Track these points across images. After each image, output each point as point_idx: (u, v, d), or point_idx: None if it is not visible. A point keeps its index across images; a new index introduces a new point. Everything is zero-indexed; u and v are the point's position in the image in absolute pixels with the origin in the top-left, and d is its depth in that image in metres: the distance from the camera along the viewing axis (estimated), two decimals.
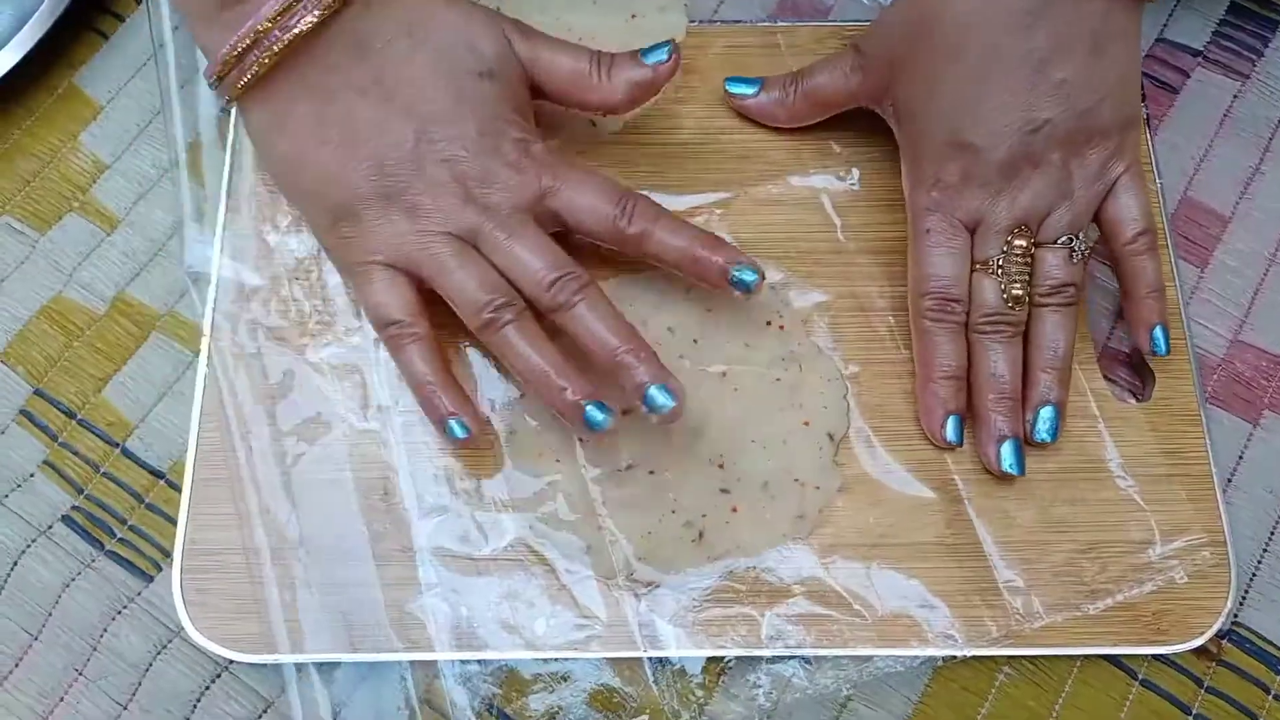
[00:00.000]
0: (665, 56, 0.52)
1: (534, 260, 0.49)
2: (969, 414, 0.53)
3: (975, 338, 0.52)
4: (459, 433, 0.49)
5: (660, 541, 0.51)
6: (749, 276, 0.50)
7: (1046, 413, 0.52)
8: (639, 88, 0.52)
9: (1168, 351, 0.52)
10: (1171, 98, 0.61)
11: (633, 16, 0.60)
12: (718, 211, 0.57)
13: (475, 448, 0.52)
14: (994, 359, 0.51)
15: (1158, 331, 0.52)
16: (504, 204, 0.49)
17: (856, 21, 0.62)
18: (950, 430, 0.52)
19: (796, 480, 0.52)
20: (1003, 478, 0.52)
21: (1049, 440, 0.52)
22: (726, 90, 0.59)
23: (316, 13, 0.47)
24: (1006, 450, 0.51)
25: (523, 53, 0.52)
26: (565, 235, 0.52)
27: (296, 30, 0.47)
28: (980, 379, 0.52)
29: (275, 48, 0.47)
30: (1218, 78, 0.62)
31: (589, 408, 0.48)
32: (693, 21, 0.61)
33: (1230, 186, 0.59)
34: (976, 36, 0.49)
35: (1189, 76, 0.62)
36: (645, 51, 0.52)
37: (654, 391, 0.47)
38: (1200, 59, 0.62)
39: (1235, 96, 0.61)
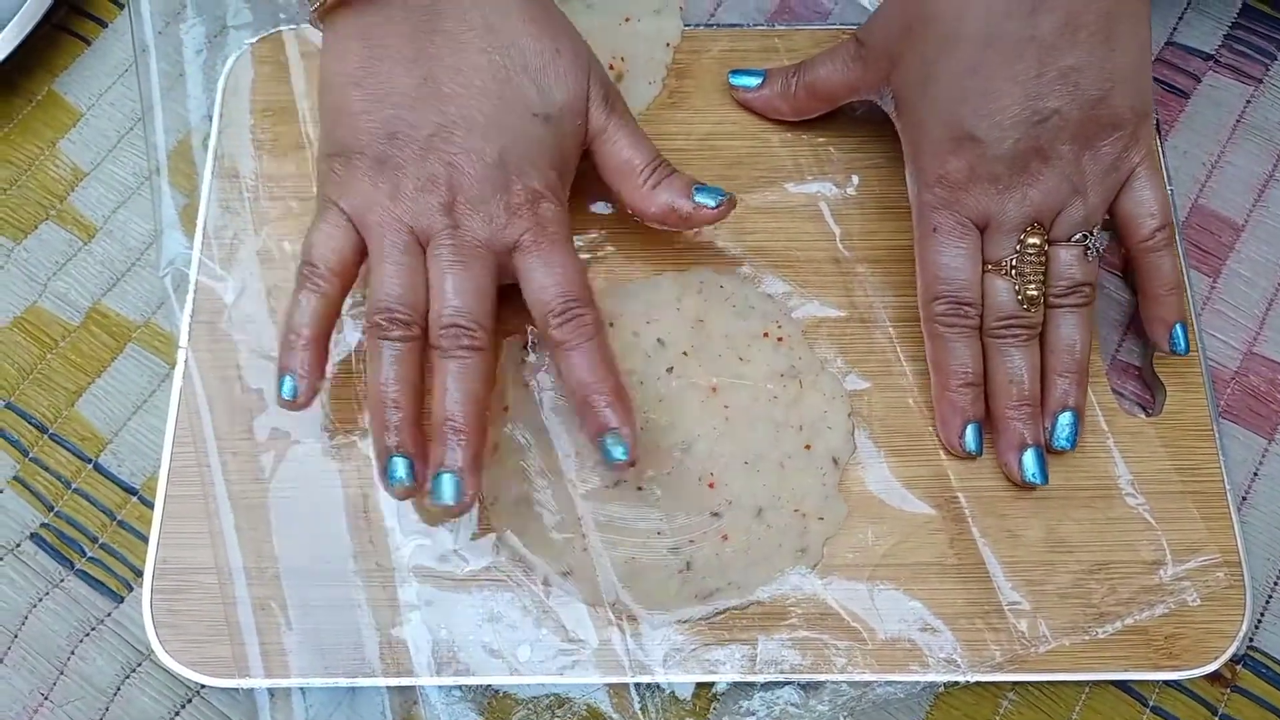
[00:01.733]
0: (713, 202, 0.50)
1: (454, 297, 0.47)
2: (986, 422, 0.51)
3: (990, 342, 0.50)
4: (285, 391, 0.48)
5: (644, 569, 0.49)
6: (618, 453, 0.47)
7: (1066, 418, 0.50)
8: (673, 214, 0.51)
9: (1188, 350, 0.51)
10: (1182, 103, 0.59)
11: (627, 19, 0.59)
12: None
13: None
14: (1011, 364, 0.50)
15: (1178, 329, 0.50)
16: (475, 233, 0.48)
17: (855, 24, 0.60)
18: (970, 439, 0.50)
19: (797, 511, 0.50)
20: (1019, 490, 0.51)
21: (1068, 448, 0.50)
22: (730, 83, 0.58)
23: None
24: (1029, 459, 0.50)
25: (594, 120, 0.51)
26: None
27: None
28: (997, 385, 0.50)
29: None
30: (1229, 82, 0.60)
31: (394, 459, 0.46)
32: (689, 25, 0.60)
33: (1243, 194, 0.58)
34: (974, 22, 0.47)
35: (1200, 81, 0.60)
36: (700, 186, 0.51)
37: (444, 479, 0.46)
38: (1211, 63, 0.61)
39: (1248, 102, 0.60)
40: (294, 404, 0.48)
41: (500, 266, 0.49)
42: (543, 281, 0.48)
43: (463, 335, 0.47)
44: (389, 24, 0.48)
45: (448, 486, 0.46)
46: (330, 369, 0.52)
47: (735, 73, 0.58)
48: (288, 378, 0.48)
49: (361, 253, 0.49)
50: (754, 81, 0.57)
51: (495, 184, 0.48)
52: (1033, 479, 0.49)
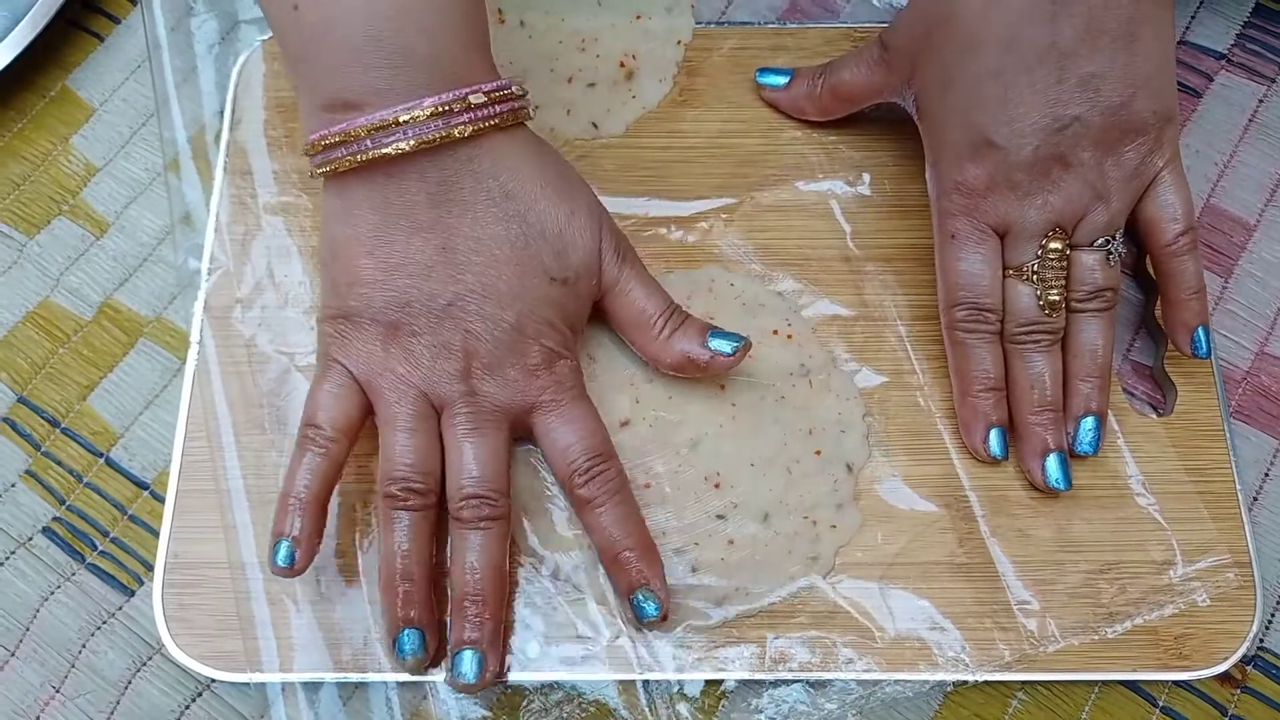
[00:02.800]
0: (729, 350, 0.50)
1: (472, 466, 0.47)
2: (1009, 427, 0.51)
3: (1012, 348, 0.50)
4: (281, 559, 0.46)
5: None
6: (650, 609, 0.47)
7: (1089, 423, 0.50)
8: (690, 364, 0.50)
9: (1210, 353, 0.50)
10: (1194, 102, 0.59)
11: (638, 17, 0.59)
12: (723, 217, 0.56)
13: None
14: (1033, 369, 0.50)
15: (1200, 333, 0.50)
16: (493, 398, 0.48)
17: (866, 23, 0.60)
18: (994, 443, 0.50)
19: (807, 518, 0.50)
20: (1029, 489, 0.51)
21: (1091, 452, 0.50)
22: (757, 81, 0.58)
23: (410, 143, 0.45)
24: (1052, 464, 0.49)
25: (608, 274, 0.50)
26: None
27: (385, 151, 0.45)
28: (1019, 390, 0.50)
29: (359, 157, 0.45)
30: (1242, 81, 0.60)
31: (405, 633, 0.46)
32: (700, 23, 0.60)
33: (1255, 193, 0.58)
34: (994, 26, 0.47)
35: (1212, 80, 0.60)
36: (716, 332, 0.50)
37: (465, 656, 0.46)
38: (1224, 62, 0.60)
39: (1260, 101, 0.59)
40: (290, 572, 0.46)
41: (515, 425, 0.49)
42: (566, 440, 0.48)
43: (484, 505, 0.47)
44: (404, 194, 0.46)
45: (470, 663, 0.46)
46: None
47: (763, 71, 0.58)
48: (284, 544, 0.46)
49: (366, 413, 0.48)
50: (781, 81, 0.57)
51: (512, 349, 0.48)
52: (1056, 484, 0.49)
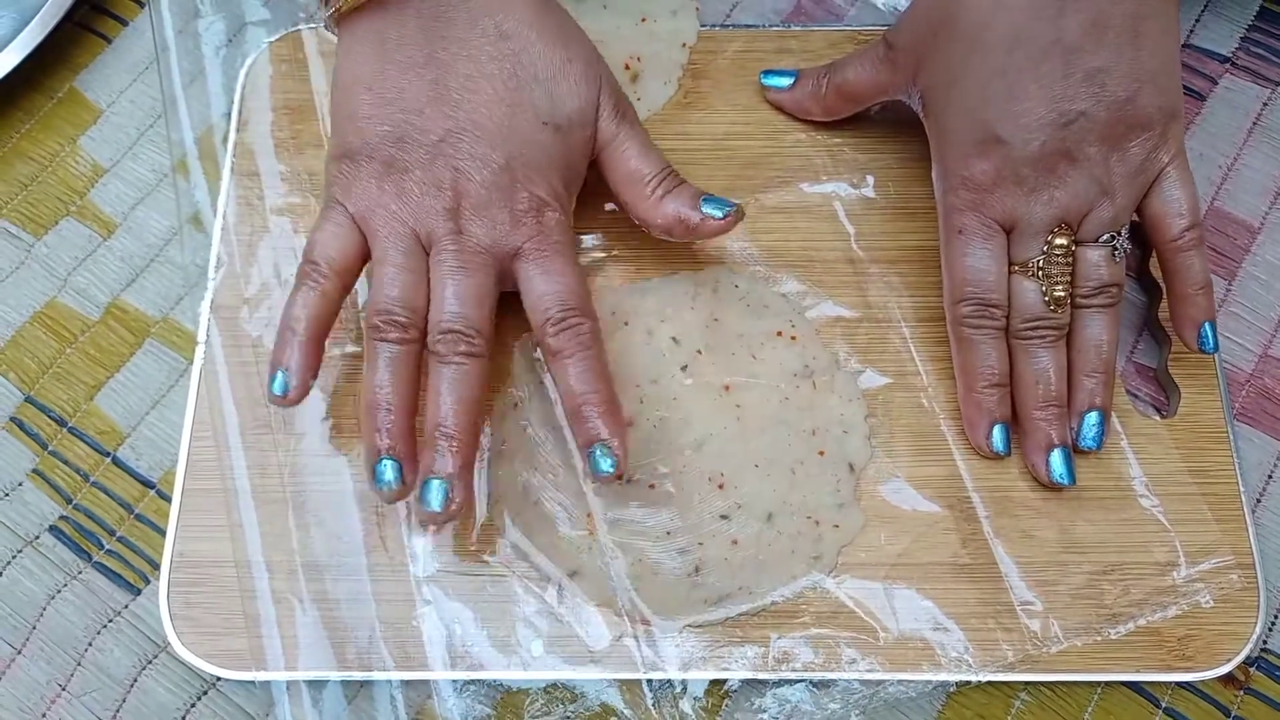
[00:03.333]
0: (720, 213, 0.50)
1: (453, 302, 0.47)
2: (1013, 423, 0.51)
3: (1017, 343, 0.50)
4: (277, 388, 0.47)
5: (654, 571, 0.49)
6: (605, 465, 0.47)
7: (1093, 418, 0.50)
8: (680, 225, 0.50)
9: (1217, 348, 0.50)
10: (1198, 105, 0.59)
11: (644, 20, 0.59)
12: None
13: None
14: (1038, 364, 0.50)
15: (1207, 328, 0.50)
16: (479, 238, 0.48)
17: (871, 25, 0.60)
18: (998, 439, 0.50)
19: (809, 518, 0.50)
20: (1032, 490, 0.51)
21: (1095, 448, 0.50)
22: (762, 83, 0.58)
23: None
24: (1056, 459, 0.49)
25: (605, 130, 0.51)
26: None
27: None
28: (1024, 386, 0.50)
29: None
30: (1246, 85, 0.60)
31: (383, 462, 0.46)
32: (705, 26, 0.60)
33: (1259, 196, 0.58)
34: (1000, 22, 0.47)
35: (1216, 83, 0.60)
36: (708, 197, 0.51)
37: (432, 485, 0.46)
38: (1228, 65, 0.60)
39: (1264, 104, 0.59)
40: (284, 400, 0.47)
41: (502, 273, 0.49)
42: (542, 289, 0.48)
43: (460, 341, 0.47)
44: (402, 29, 0.48)
45: (436, 493, 0.45)
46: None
47: (767, 73, 0.58)
48: (280, 374, 0.47)
49: (364, 254, 0.49)
50: (786, 82, 0.57)
51: (501, 190, 0.48)
52: (1060, 479, 0.49)
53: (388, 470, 0.46)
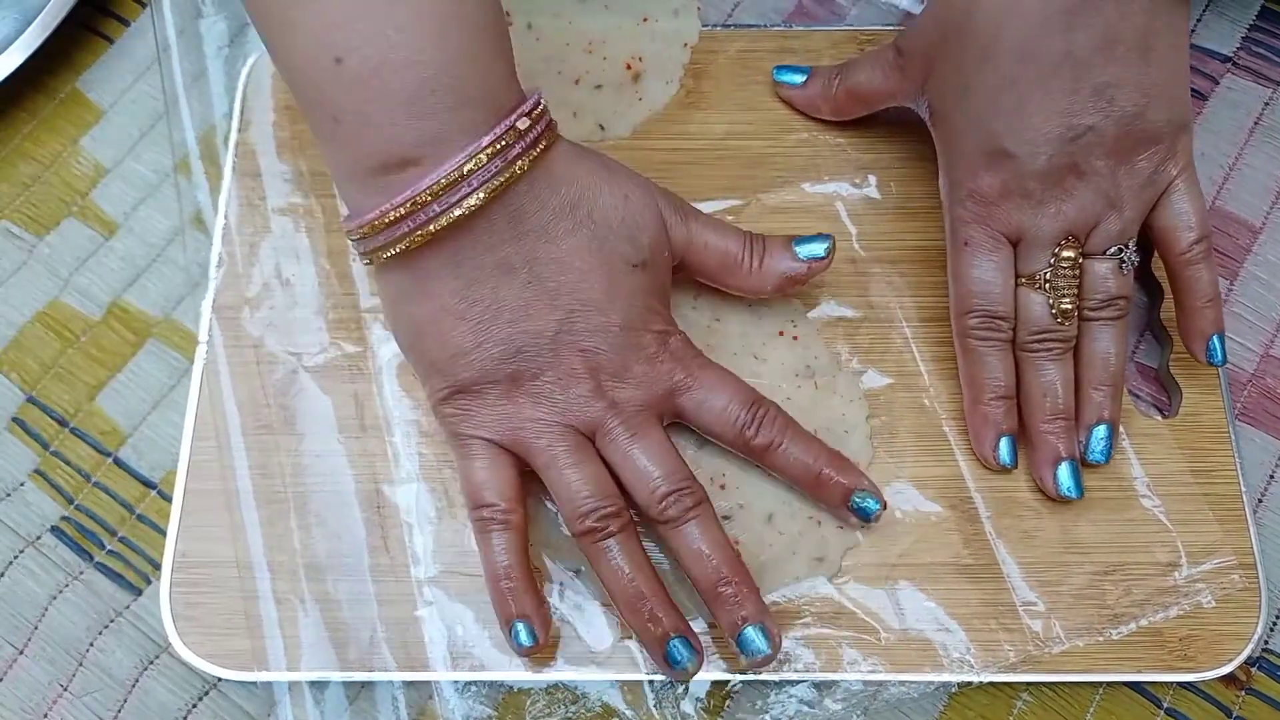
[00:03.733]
0: (823, 253, 0.50)
1: (652, 468, 0.46)
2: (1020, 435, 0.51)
3: (1023, 356, 0.50)
4: (524, 639, 0.46)
5: (656, 571, 0.49)
6: (871, 505, 0.48)
7: (1101, 431, 0.50)
8: (790, 282, 0.51)
9: (1224, 361, 0.50)
10: (1200, 105, 0.59)
11: (645, 20, 0.59)
12: (730, 219, 0.56)
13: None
14: (1045, 377, 0.50)
15: (1215, 341, 0.50)
16: (633, 400, 0.47)
17: (872, 25, 0.60)
18: (1004, 452, 0.50)
19: (811, 518, 0.50)
20: (1034, 491, 0.51)
21: (1103, 461, 0.50)
22: (775, 78, 0.58)
23: (482, 194, 0.43)
24: (1064, 473, 0.49)
25: (678, 237, 0.50)
26: None
27: (460, 211, 0.43)
28: (1031, 399, 0.50)
29: (432, 227, 0.43)
30: (1248, 84, 0.60)
31: (673, 643, 0.46)
32: (706, 25, 0.60)
33: (1260, 196, 0.58)
34: (1008, 35, 0.47)
35: (1218, 83, 0.60)
36: (800, 242, 0.51)
37: (750, 632, 0.46)
38: (1230, 65, 0.60)
39: (1266, 104, 0.59)
40: (535, 648, 0.46)
41: (661, 418, 0.48)
42: (719, 403, 0.48)
43: (685, 497, 0.46)
44: (478, 245, 0.45)
45: (758, 638, 0.46)
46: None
47: (780, 68, 0.58)
48: (520, 625, 0.46)
49: (524, 472, 0.48)
50: (798, 79, 0.57)
51: (630, 348, 0.47)
52: (1068, 493, 0.49)
53: (680, 649, 0.46)
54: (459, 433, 0.48)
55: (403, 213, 0.43)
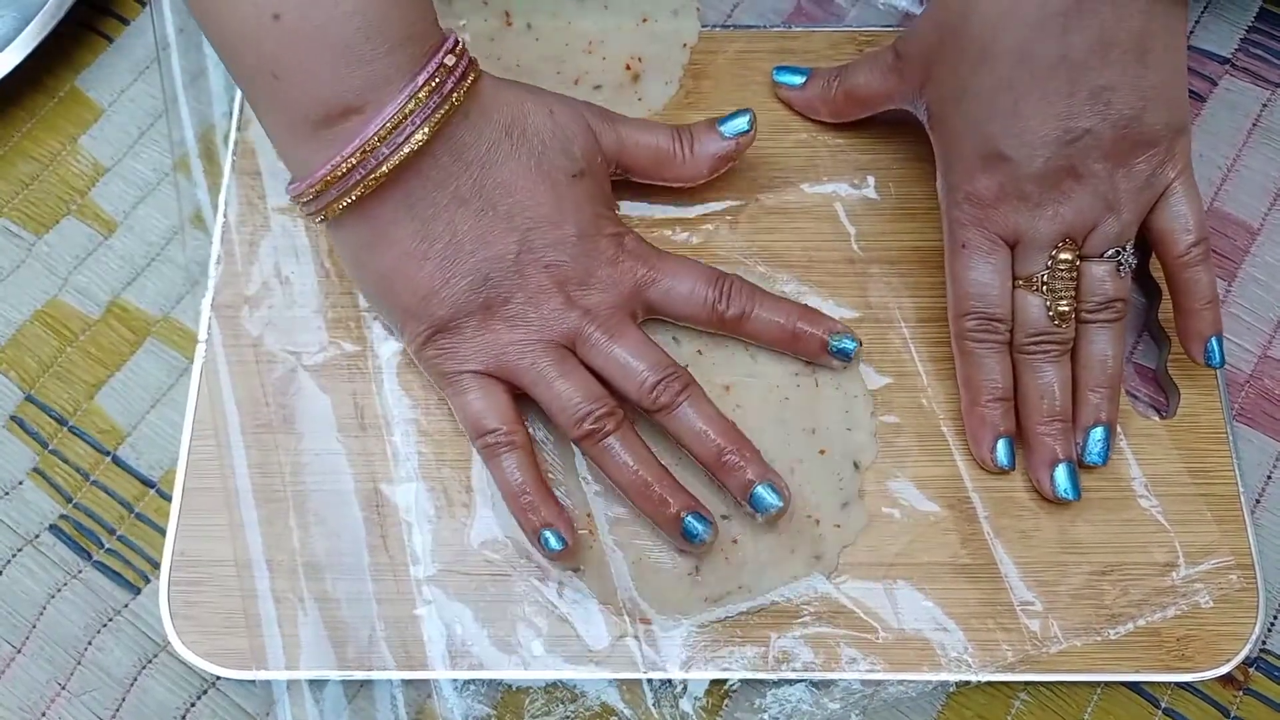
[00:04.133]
0: (746, 127, 0.53)
1: (636, 362, 0.48)
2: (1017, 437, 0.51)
3: (1021, 358, 0.50)
4: (554, 544, 0.47)
5: (654, 570, 0.49)
6: (848, 345, 0.51)
7: (1098, 433, 0.50)
8: (721, 161, 0.53)
9: (1223, 363, 0.50)
10: (1198, 106, 0.59)
11: (644, 20, 0.59)
12: (728, 219, 0.56)
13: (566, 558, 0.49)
14: (1043, 379, 0.50)
15: (1213, 343, 0.50)
16: (603, 303, 0.49)
17: (871, 27, 0.60)
18: (1001, 454, 0.50)
19: (810, 517, 0.50)
20: (1032, 491, 0.51)
21: (1100, 463, 0.50)
22: (774, 79, 0.58)
23: (426, 129, 0.45)
24: (1061, 475, 0.49)
25: (608, 142, 0.51)
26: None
27: (407, 149, 0.45)
28: (1029, 401, 0.50)
29: (384, 167, 0.45)
30: (1246, 86, 0.60)
31: (688, 519, 0.47)
32: (705, 26, 0.60)
33: (1259, 197, 0.58)
34: (1006, 38, 0.47)
35: (1216, 84, 0.60)
36: (724, 121, 0.53)
37: (761, 491, 0.48)
38: (1228, 67, 0.60)
39: (1264, 105, 0.59)
40: (567, 552, 0.48)
41: (634, 313, 0.50)
42: (686, 287, 0.50)
43: (673, 382, 0.48)
44: (428, 183, 0.46)
45: (769, 494, 0.48)
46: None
47: (780, 69, 0.58)
48: (547, 533, 0.47)
49: (518, 395, 0.49)
50: (798, 80, 0.57)
51: (589, 254, 0.49)
52: (1065, 494, 0.49)
53: (694, 524, 0.47)
54: (445, 372, 0.49)
55: (354, 162, 0.44)
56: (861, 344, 0.51)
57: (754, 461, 0.48)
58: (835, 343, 0.51)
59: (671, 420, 0.48)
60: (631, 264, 0.50)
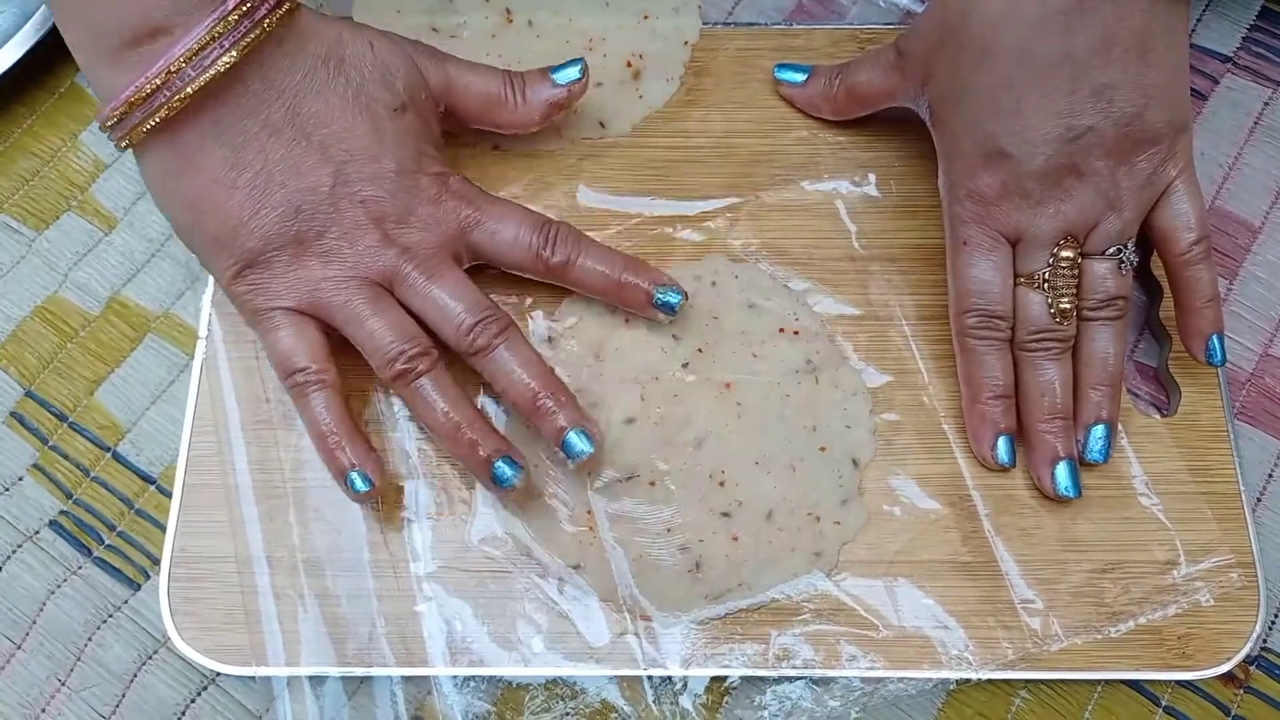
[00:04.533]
0: (578, 74, 0.53)
1: (453, 303, 0.48)
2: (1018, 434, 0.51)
3: (1022, 355, 0.50)
4: (360, 486, 0.47)
5: (654, 567, 0.49)
6: (673, 298, 0.50)
7: (1099, 431, 0.50)
8: (554, 108, 0.53)
9: (1224, 361, 0.50)
10: (1199, 104, 0.59)
11: (645, 17, 0.59)
12: (729, 216, 0.56)
13: (377, 501, 0.50)
14: (1044, 376, 0.50)
15: (1214, 341, 0.50)
16: (423, 243, 0.49)
17: (873, 24, 0.60)
18: (1002, 451, 0.50)
19: (810, 514, 0.50)
20: (1033, 489, 0.51)
21: (1101, 461, 0.50)
22: (775, 76, 0.58)
23: (234, 52, 0.44)
24: (1062, 472, 0.49)
25: (435, 80, 0.51)
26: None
27: (213, 71, 0.44)
28: (1030, 398, 0.50)
29: (189, 89, 0.44)
30: (1247, 84, 0.60)
31: (498, 464, 0.47)
32: (706, 24, 0.60)
33: (1260, 196, 0.58)
34: (1008, 37, 0.47)
35: (1218, 83, 0.60)
36: (556, 69, 0.53)
37: (572, 437, 0.48)
38: (1229, 65, 0.60)
39: (1265, 104, 0.59)
40: (370, 494, 0.48)
41: (457, 255, 0.50)
42: (509, 232, 0.50)
43: (490, 324, 0.48)
44: (239, 109, 0.46)
45: (580, 440, 0.48)
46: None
47: (781, 66, 0.58)
48: (353, 474, 0.48)
49: (330, 335, 0.49)
50: (799, 78, 0.57)
51: (408, 191, 0.49)
52: (1065, 492, 0.49)
53: (506, 468, 0.47)
54: (257, 309, 0.48)
55: (158, 83, 0.44)
56: (687, 298, 0.51)
57: (568, 406, 0.48)
58: (660, 295, 0.50)
59: (488, 364, 0.48)
60: (455, 204, 0.50)
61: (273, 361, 0.49)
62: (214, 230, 0.47)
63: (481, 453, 0.47)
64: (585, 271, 0.50)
